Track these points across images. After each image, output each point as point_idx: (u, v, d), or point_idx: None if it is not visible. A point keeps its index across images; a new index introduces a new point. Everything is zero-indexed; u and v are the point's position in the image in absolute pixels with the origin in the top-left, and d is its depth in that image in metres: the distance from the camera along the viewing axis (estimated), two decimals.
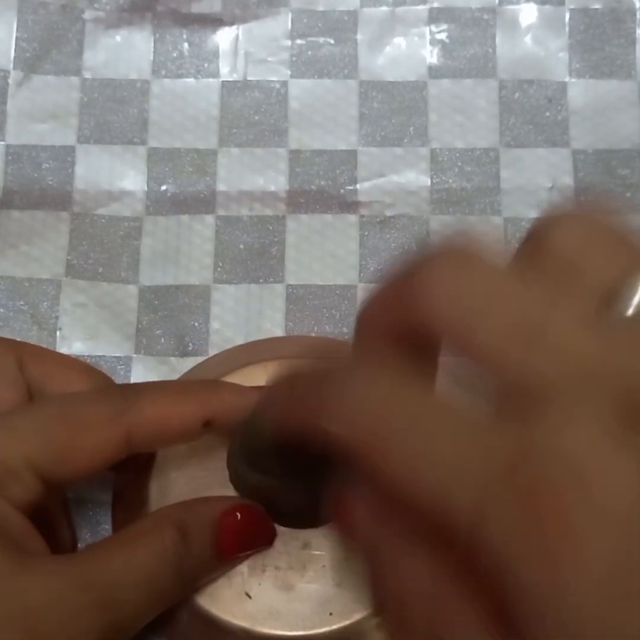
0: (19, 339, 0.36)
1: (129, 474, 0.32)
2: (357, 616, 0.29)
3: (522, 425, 0.17)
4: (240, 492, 0.30)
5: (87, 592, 0.25)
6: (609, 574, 0.16)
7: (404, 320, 0.20)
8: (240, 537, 0.29)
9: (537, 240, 0.20)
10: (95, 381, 0.30)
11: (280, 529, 0.31)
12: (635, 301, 0.19)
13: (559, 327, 0.19)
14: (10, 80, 0.40)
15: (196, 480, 0.31)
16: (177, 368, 0.36)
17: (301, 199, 0.39)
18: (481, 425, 0.18)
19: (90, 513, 0.34)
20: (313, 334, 0.37)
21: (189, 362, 0.36)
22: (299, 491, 0.29)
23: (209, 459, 0.31)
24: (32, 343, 0.35)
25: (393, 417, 0.19)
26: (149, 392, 0.29)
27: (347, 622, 0.29)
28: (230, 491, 0.30)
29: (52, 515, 0.30)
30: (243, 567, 0.30)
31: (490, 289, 0.19)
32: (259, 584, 0.30)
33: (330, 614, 0.29)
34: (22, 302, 0.37)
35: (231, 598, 0.30)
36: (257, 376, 0.33)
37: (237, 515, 0.29)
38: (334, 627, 0.29)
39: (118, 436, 0.27)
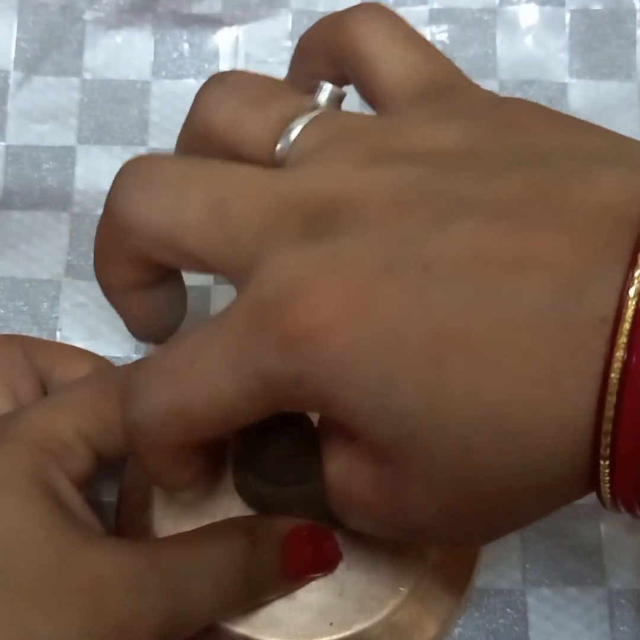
0: None
1: (134, 478, 0.32)
2: (357, 627, 0.29)
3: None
4: (245, 499, 0.29)
5: (155, 571, 0.24)
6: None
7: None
8: (307, 557, 0.29)
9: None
10: (94, 364, 0.31)
11: None
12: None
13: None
14: (10, 81, 0.39)
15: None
16: None
17: None
18: None
19: (98, 514, 0.34)
20: None
21: None
22: (303, 501, 0.28)
23: None
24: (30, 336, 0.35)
25: None
26: None
27: (347, 633, 0.29)
28: (234, 496, 0.30)
29: None
30: None
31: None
32: None
33: (331, 623, 0.29)
34: (22, 303, 0.37)
35: None
36: None
37: (305, 535, 0.28)
38: (334, 637, 0.29)
39: None
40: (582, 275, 0.17)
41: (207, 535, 0.27)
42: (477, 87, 0.24)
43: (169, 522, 0.30)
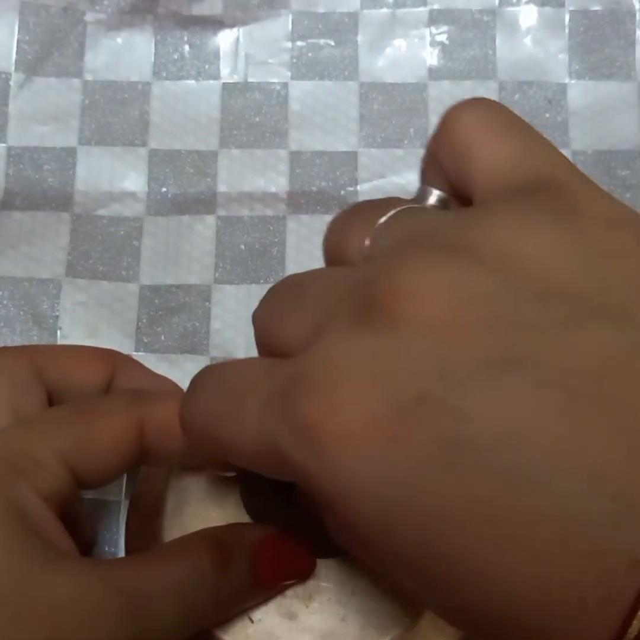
0: (19, 339, 0.36)
1: (147, 483, 0.32)
2: None
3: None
4: (251, 516, 0.29)
5: (116, 596, 0.23)
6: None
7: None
8: (279, 566, 0.28)
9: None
10: (111, 362, 0.30)
11: None
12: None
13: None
14: (11, 82, 0.39)
15: (213, 495, 0.30)
16: (177, 364, 0.35)
17: (301, 200, 0.38)
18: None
19: (103, 513, 0.34)
20: None
21: (189, 360, 0.36)
22: (305, 522, 0.27)
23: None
24: (42, 344, 0.35)
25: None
26: (164, 392, 0.29)
27: None
28: (242, 512, 0.29)
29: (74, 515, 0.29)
30: None
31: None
32: (263, 609, 0.29)
33: None
34: (22, 302, 0.36)
35: (233, 620, 0.28)
36: None
37: (276, 543, 0.28)
38: None
39: (133, 426, 0.26)
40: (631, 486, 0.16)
41: (175, 553, 0.26)
42: (594, 191, 0.20)
43: (178, 529, 0.30)
